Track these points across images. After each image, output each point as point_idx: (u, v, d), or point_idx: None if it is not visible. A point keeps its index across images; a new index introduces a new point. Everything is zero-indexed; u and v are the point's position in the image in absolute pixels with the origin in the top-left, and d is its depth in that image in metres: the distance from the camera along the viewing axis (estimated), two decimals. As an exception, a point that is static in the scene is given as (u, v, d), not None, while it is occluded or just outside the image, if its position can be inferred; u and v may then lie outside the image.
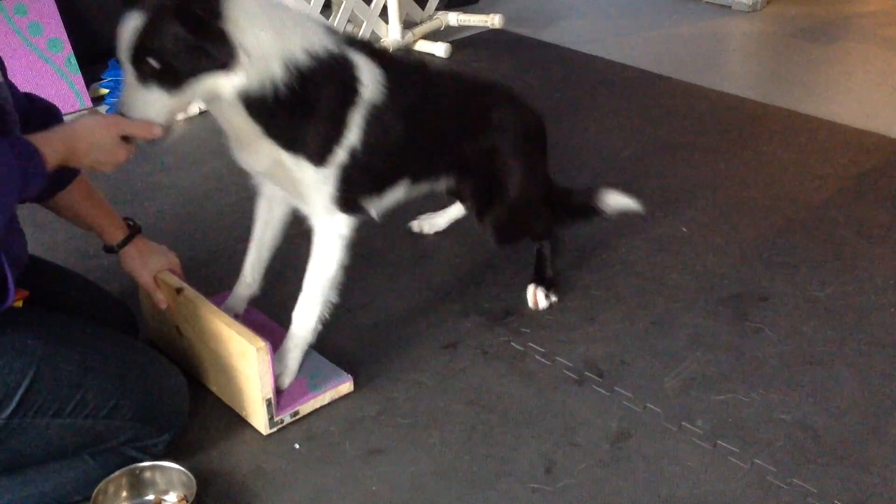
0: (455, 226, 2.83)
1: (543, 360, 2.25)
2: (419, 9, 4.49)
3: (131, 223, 2.15)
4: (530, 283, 2.49)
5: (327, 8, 4.08)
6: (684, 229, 2.84)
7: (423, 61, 2.45)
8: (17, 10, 3.58)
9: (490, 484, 1.89)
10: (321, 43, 1.89)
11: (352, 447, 1.98)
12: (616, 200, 2.59)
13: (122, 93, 1.75)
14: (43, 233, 2.70)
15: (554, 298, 2.47)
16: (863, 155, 3.32)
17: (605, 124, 3.59)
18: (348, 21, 4.07)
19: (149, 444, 1.84)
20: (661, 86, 4.00)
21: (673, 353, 2.27)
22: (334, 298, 2.13)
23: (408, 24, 4.39)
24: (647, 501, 1.85)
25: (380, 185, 2.16)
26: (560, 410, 2.09)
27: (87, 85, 3.76)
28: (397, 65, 2.10)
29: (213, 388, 2.12)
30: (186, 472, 1.81)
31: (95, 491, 1.77)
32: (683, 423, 2.05)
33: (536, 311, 2.43)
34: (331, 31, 1.97)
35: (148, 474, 1.85)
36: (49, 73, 3.64)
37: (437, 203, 2.83)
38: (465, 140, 2.30)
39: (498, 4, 5.04)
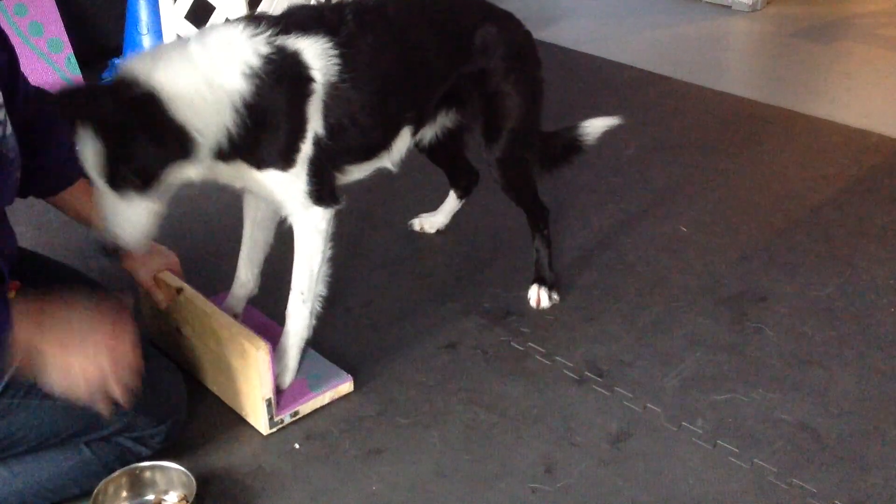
0: (455, 226, 2.83)
1: (543, 360, 2.25)
2: (419, 9, 4.49)
3: None
4: (532, 283, 2.49)
5: (327, 8, 4.07)
6: (684, 229, 2.84)
7: None
8: (17, 10, 3.58)
9: (490, 484, 1.89)
10: (254, 54, 1.80)
11: (352, 447, 1.98)
12: (595, 125, 2.55)
13: (101, 209, 1.71)
14: (43, 233, 2.71)
15: (556, 297, 2.47)
16: (863, 155, 3.32)
17: (605, 124, 3.59)
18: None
19: (145, 434, 1.84)
20: (661, 86, 4.00)
21: (673, 353, 2.27)
22: (323, 291, 2.12)
23: (408, 24, 4.38)
24: (647, 501, 1.85)
25: (368, 149, 2.09)
26: (560, 410, 2.09)
27: (87, 85, 3.76)
28: (348, 19, 1.96)
29: (213, 388, 2.12)
30: (186, 472, 1.81)
31: (95, 491, 1.77)
32: (683, 423, 2.05)
33: (536, 311, 2.43)
34: (256, 24, 1.85)
35: (148, 474, 1.84)
36: (49, 73, 3.64)
37: (437, 202, 2.83)
38: (450, 70, 2.18)
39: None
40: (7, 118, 1.71)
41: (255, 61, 1.79)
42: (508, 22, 2.33)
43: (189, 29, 3.55)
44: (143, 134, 1.67)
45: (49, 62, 3.65)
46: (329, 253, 2.09)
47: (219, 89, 1.76)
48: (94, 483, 1.78)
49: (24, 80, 1.87)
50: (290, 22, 1.90)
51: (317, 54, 1.87)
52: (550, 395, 2.14)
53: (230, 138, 1.80)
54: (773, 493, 1.86)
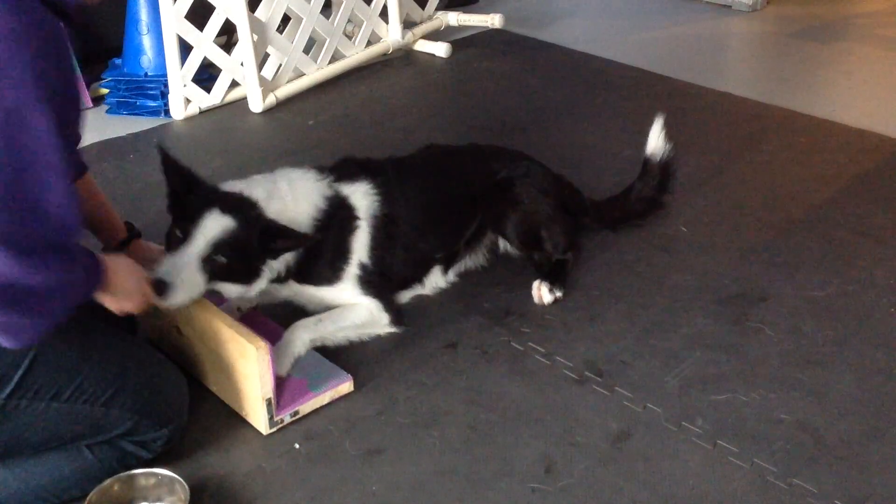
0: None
1: (543, 360, 2.25)
2: (419, 9, 4.49)
3: (131, 226, 2.17)
4: (536, 278, 2.49)
5: (327, 8, 4.08)
6: (684, 229, 2.84)
7: (429, 148, 2.66)
8: (17, 10, 3.57)
9: (490, 484, 1.89)
10: (319, 198, 2.17)
11: (352, 447, 1.98)
12: (653, 144, 2.74)
13: (177, 261, 1.93)
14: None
15: (559, 294, 2.47)
16: (863, 155, 3.32)
17: (605, 124, 3.59)
18: (348, 21, 4.07)
19: (147, 438, 1.84)
20: (661, 86, 4.00)
21: (673, 353, 2.27)
22: (329, 343, 2.22)
23: (408, 24, 4.39)
24: (647, 501, 1.85)
25: (402, 280, 2.39)
26: (560, 410, 2.09)
27: (88, 85, 3.76)
28: (388, 168, 2.35)
29: (213, 388, 2.11)
30: (180, 479, 1.80)
31: (87, 499, 1.75)
32: (683, 423, 2.05)
33: (536, 311, 2.43)
34: (320, 173, 2.23)
35: (142, 481, 1.83)
36: (49, 73, 3.64)
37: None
38: (475, 215, 2.49)
39: (498, 4, 5.04)
40: None
41: (320, 205, 2.17)
42: (525, 166, 2.58)
43: (189, 29, 3.55)
44: (258, 251, 2.02)
45: (49, 62, 3.64)
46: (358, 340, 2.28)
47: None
48: (94, 486, 1.78)
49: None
50: (343, 169, 2.29)
51: (362, 198, 2.25)
52: (550, 395, 2.14)
53: (288, 269, 2.14)
54: (773, 493, 1.86)
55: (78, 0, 1.67)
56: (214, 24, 3.64)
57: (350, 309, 2.24)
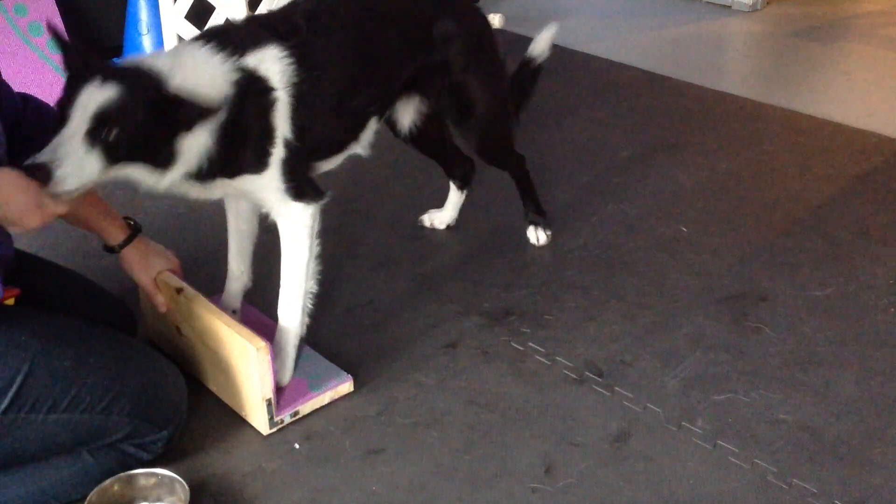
0: (455, 226, 2.83)
1: (543, 360, 2.25)
2: (419, 9, 4.48)
3: (132, 223, 2.15)
4: (528, 224, 2.72)
5: (327, 8, 4.07)
6: (684, 229, 2.84)
7: None
8: (17, 10, 3.58)
9: (490, 484, 1.89)
10: (223, 78, 1.86)
11: (352, 447, 1.98)
12: (541, 44, 2.71)
13: (56, 143, 1.67)
14: (43, 233, 2.70)
15: (549, 232, 2.73)
16: (863, 155, 3.32)
17: (605, 124, 3.59)
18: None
19: (147, 441, 1.84)
20: (661, 86, 4.00)
21: (673, 353, 2.27)
22: (315, 289, 2.13)
23: (408, 24, 4.38)
24: (647, 501, 1.85)
25: (337, 144, 2.15)
26: (560, 410, 2.09)
27: (87, 85, 3.76)
28: (300, 24, 2.01)
29: (213, 388, 2.11)
30: (180, 479, 1.80)
31: (87, 501, 1.75)
32: (683, 423, 2.05)
33: (537, 311, 2.43)
34: (218, 44, 1.90)
35: (142, 481, 1.83)
36: (49, 73, 3.64)
37: (439, 202, 2.84)
38: (410, 61, 2.24)
39: (498, 4, 5.03)
40: None
41: (224, 86, 1.85)
42: (464, 9, 2.37)
43: (189, 29, 3.55)
44: (153, 123, 1.72)
45: (49, 62, 3.65)
46: (317, 249, 2.10)
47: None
48: (94, 488, 1.78)
49: (6, 83, 1.86)
50: (240, 34, 1.94)
51: (274, 66, 1.92)
52: (550, 395, 2.14)
53: (210, 160, 1.85)
54: (773, 493, 1.86)
55: None
56: (214, 24, 3.64)
57: (290, 233, 2.05)
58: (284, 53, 1.94)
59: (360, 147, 2.22)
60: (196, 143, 1.81)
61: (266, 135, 1.92)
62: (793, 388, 2.16)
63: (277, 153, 1.95)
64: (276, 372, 2.04)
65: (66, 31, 3.69)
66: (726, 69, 4.36)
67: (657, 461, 1.94)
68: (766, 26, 4.88)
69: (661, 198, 3.02)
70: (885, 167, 3.23)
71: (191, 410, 1.96)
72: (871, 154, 3.33)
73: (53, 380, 1.68)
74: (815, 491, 1.86)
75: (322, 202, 2.06)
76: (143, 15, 3.68)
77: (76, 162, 1.65)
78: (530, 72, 2.70)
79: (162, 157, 1.77)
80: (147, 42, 3.70)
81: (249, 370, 1.93)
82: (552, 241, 2.73)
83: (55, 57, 3.67)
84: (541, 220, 2.74)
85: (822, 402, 2.11)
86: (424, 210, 2.85)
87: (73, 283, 2.10)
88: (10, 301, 1.76)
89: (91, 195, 2.08)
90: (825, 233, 2.81)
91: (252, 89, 1.89)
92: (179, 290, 2.06)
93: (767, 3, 5.15)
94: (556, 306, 2.46)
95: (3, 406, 1.63)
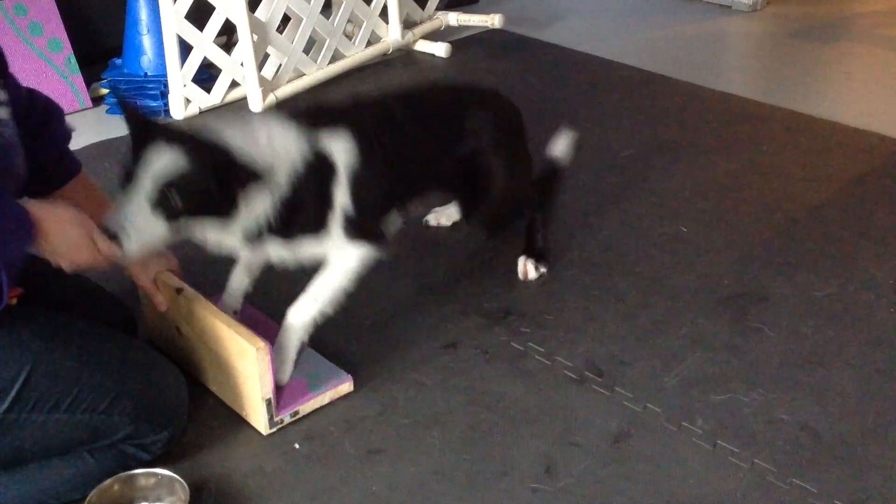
0: (455, 226, 2.83)
1: (543, 360, 2.25)
2: (419, 9, 4.49)
3: None
4: (521, 255, 2.56)
5: (327, 8, 4.07)
6: (684, 229, 2.84)
7: (386, 93, 2.48)
8: (17, 10, 3.58)
9: (490, 484, 1.89)
10: (296, 154, 1.98)
11: (352, 447, 1.98)
12: (560, 147, 2.76)
13: (123, 204, 1.75)
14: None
15: (543, 270, 2.55)
16: (863, 155, 3.32)
17: (605, 124, 3.59)
18: (348, 21, 4.07)
19: (148, 441, 1.84)
20: (661, 86, 4.00)
21: (673, 353, 2.27)
22: (330, 312, 2.16)
23: (408, 24, 4.39)
24: (647, 501, 1.85)
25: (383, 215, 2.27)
26: (560, 410, 2.09)
27: (87, 85, 3.76)
28: (360, 114, 2.19)
29: (213, 388, 2.12)
30: (180, 479, 1.80)
31: (87, 501, 1.75)
32: (683, 423, 2.05)
33: (536, 311, 2.43)
34: (292, 123, 2.03)
35: (142, 481, 1.83)
36: (49, 73, 3.64)
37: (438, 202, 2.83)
38: (445, 155, 2.36)
39: (498, 4, 5.04)
40: (8, 99, 1.71)
41: (298, 162, 1.98)
42: (496, 103, 2.50)
43: (189, 29, 3.56)
44: (216, 191, 1.81)
45: (49, 62, 3.65)
46: (352, 288, 2.15)
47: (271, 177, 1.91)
48: (94, 488, 1.78)
49: (13, 76, 1.87)
50: (314, 119, 2.10)
51: (339, 149, 2.08)
52: (550, 395, 2.14)
53: (269, 224, 1.95)
54: (773, 493, 1.86)
55: None
56: (214, 24, 3.64)
57: (337, 265, 2.14)
58: (348, 139, 2.09)
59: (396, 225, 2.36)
60: (258, 211, 1.91)
61: (325, 205, 2.05)
62: (793, 388, 2.16)
63: (336, 217, 2.08)
64: (276, 371, 2.04)
65: (67, 31, 3.70)
66: (726, 69, 4.37)
67: (657, 461, 1.94)
68: (766, 26, 4.88)
69: (661, 198, 3.02)
70: (885, 167, 3.23)
71: (191, 410, 1.96)
72: (871, 154, 3.33)
73: (55, 380, 1.68)
74: (815, 491, 1.86)
75: (375, 253, 2.16)
76: (143, 15, 3.68)
77: (144, 224, 1.74)
78: (553, 172, 2.75)
79: (222, 223, 1.87)
80: (147, 42, 3.70)
81: (249, 370, 1.93)
82: (552, 241, 2.73)
83: (55, 57, 3.67)
84: (538, 254, 2.60)
85: (822, 402, 2.11)
86: (426, 209, 2.84)
87: (74, 283, 2.10)
88: (13, 301, 1.76)
89: (94, 192, 2.08)
90: (825, 233, 2.81)
91: (319, 167, 2.03)
92: (179, 290, 2.06)
93: (767, 3, 5.16)
94: (556, 306, 2.46)
95: (5, 405, 1.64)
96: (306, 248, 2.09)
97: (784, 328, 2.37)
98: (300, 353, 2.14)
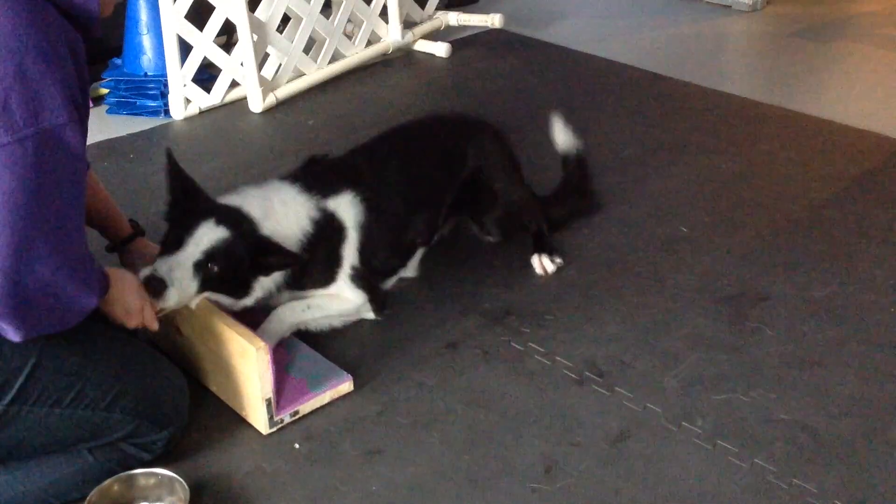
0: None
1: (543, 360, 2.25)
2: (419, 9, 4.49)
3: (135, 224, 2.17)
4: (532, 253, 2.61)
5: (327, 8, 4.07)
6: (684, 229, 2.84)
7: (393, 130, 2.66)
8: (17, 10, 3.57)
9: (490, 484, 1.89)
10: (307, 218, 2.21)
11: (352, 447, 1.98)
12: (560, 137, 2.87)
13: (171, 264, 1.95)
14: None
15: (559, 261, 2.61)
16: (863, 155, 3.32)
17: (604, 124, 3.59)
18: (348, 21, 4.07)
19: (148, 441, 1.84)
20: (661, 86, 4.00)
21: (673, 353, 2.27)
22: (312, 327, 2.28)
23: (408, 24, 4.39)
24: (647, 501, 1.85)
25: (393, 265, 2.47)
26: (560, 410, 2.09)
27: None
28: (367, 166, 2.40)
29: (213, 388, 2.12)
30: (180, 479, 1.80)
31: (87, 501, 1.75)
32: (683, 423, 2.05)
33: (536, 311, 2.43)
34: (303, 187, 2.26)
35: (141, 481, 1.83)
36: (49, 72, 3.63)
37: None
38: (451, 188, 2.54)
39: (498, 4, 5.03)
40: None
41: (307, 224, 2.21)
42: (489, 130, 2.68)
43: (189, 29, 3.55)
44: (248, 263, 2.05)
45: (49, 62, 3.64)
46: (343, 326, 2.33)
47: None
48: (94, 488, 1.78)
49: None
50: (323, 180, 2.32)
51: (347, 207, 2.29)
52: (550, 395, 2.14)
53: (284, 282, 2.18)
54: (773, 493, 1.86)
55: (95, 13, 1.69)
56: (214, 24, 3.64)
57: (339, 299, 2.30)
58: (355, 198, 2.30)
59: (410, 271, 2.54)
60: (274, 278, 2.13)
61: (336, 262, 2.27)
62: (793, 388, 2.16)
63: (344, 272, 2.28)
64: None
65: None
66: (726, 69, 4.37)
67: (657, 461, 1.94)
68: (766, 26, 4.88)
69: (661, 198, 3.02)
70: (885, 167, 3.23)
71: (191, 410, 1.96)
72: (871, 154, 3.33)
73: (59, 375, 1.69)
74: (815, 491, 1.86)
75: (371, 311, 2.35)
76: (143, 15, 3.68)
77: (183, 285, 1.94)
78: (575, 163, 2.86)
79: (243, 290, 2.08)
80: (147, 42, 3.70)
81: (249, 370, 1.93)
82: (552, 241, 2.73)
83: (55, 57, 3.66)
84: (550, 249, 2.66)
85: (821, 402, 2.11)
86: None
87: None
88: None
89: (100, 192, 2.09)
90: (825, 233, 2.81)
91: (329, 228, 2.24)
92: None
93: (767, 3, 5.15)
94: (556, 306, 2.46)
95: (9, 398, 1.64)
96: (315, 294, 2.28)
97: (784, 328, 2.37)
98: (298, 350, 2.18)
